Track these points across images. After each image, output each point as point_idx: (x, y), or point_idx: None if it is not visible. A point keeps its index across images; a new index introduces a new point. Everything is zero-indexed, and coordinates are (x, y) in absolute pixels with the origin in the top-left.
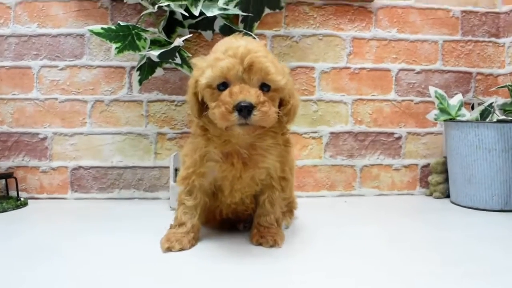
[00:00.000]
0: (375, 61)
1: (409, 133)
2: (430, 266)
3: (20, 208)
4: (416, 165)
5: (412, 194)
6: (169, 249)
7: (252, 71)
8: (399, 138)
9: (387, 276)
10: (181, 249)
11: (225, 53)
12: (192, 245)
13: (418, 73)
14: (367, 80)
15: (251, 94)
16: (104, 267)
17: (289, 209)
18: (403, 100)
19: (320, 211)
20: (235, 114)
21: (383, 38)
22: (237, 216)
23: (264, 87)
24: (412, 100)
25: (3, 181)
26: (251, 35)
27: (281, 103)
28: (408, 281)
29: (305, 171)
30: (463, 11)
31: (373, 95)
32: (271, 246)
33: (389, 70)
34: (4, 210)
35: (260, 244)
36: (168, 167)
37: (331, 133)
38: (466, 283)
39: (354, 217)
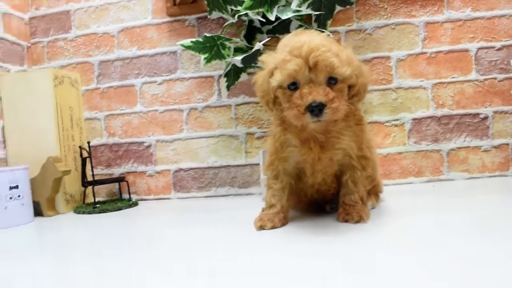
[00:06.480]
0: (452, 42)
1: (495, 112)
2: None
3: (132, 207)
4: (507, 144)
5: (505, 175)
6: (261, 227)
7: (318, 69)
8: (485, 118)
9: (467, 266)
10: (273, 227)
11: (291, 53)
12: (283, 224)
13: (499, 49)
14: (445, 63)
15: (320, 94)
16: (203, 245)
17: (375, 191)
18: (485, 79)
19: (407, 197)
20: (308, 114)
21: (457, 19)
22: (322, 196)
23: (332, 80)
24: (495, 78)
25: (117, 185)
26: (324, 32)
27: (350, 86)
28: (491, 273)
29: (390, 159)
30: None
31: (453, 77)
32: (357, 222)
33: (467, 50)
34: (119, 209)
35: (346, 221)
36: (258, 164)
37: (413, 119)
38: None
39: (442, 202)
